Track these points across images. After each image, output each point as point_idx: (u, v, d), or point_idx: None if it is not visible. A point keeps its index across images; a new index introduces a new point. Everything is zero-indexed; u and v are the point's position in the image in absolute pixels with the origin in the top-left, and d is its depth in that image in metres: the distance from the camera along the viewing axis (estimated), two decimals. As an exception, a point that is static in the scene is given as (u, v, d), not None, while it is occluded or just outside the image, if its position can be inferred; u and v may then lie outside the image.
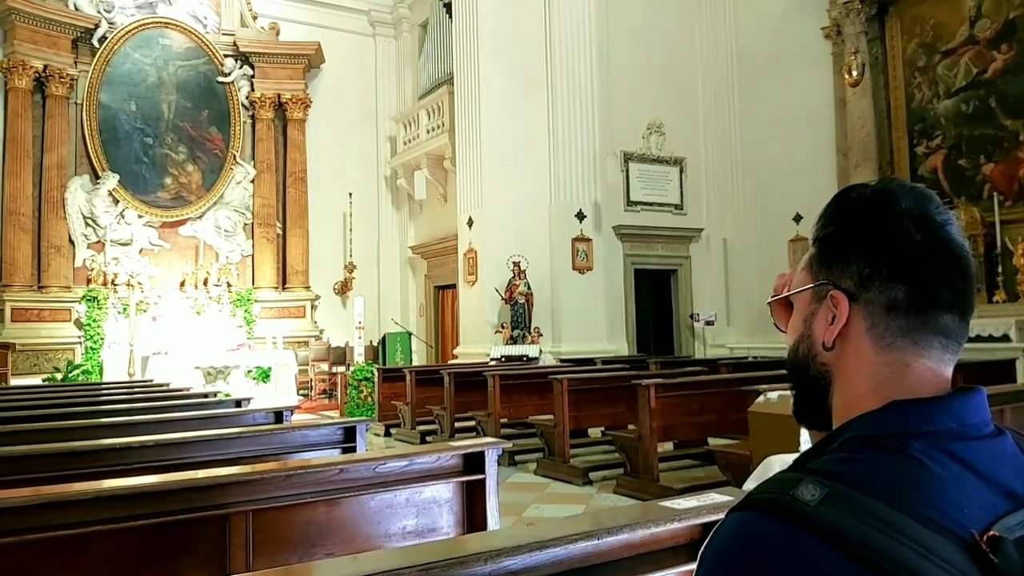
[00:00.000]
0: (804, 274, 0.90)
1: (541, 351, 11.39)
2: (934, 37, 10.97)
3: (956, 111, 10.75)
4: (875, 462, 0.75)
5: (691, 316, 13.66)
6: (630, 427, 6.75)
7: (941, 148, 10.92)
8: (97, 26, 13.88)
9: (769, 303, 0.97)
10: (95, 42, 13.89)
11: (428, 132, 14.78)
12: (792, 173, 12.81)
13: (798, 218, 12.80)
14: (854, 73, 10.76)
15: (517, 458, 7.66)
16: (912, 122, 11.28)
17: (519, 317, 11.69)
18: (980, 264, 9.89)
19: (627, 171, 13.31)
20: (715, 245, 13.95)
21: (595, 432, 8.11)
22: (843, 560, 0.68)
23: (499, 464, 3.02)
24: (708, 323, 13.28)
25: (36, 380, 11.76)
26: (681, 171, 13.86)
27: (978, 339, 9.45)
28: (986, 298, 9.73)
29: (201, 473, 2.64)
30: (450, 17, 13.56)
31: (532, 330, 11.64)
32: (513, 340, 11.57)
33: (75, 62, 13.79)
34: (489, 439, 3.37)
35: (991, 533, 0.70)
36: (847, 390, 0.84)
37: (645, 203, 13.45)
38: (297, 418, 5.25)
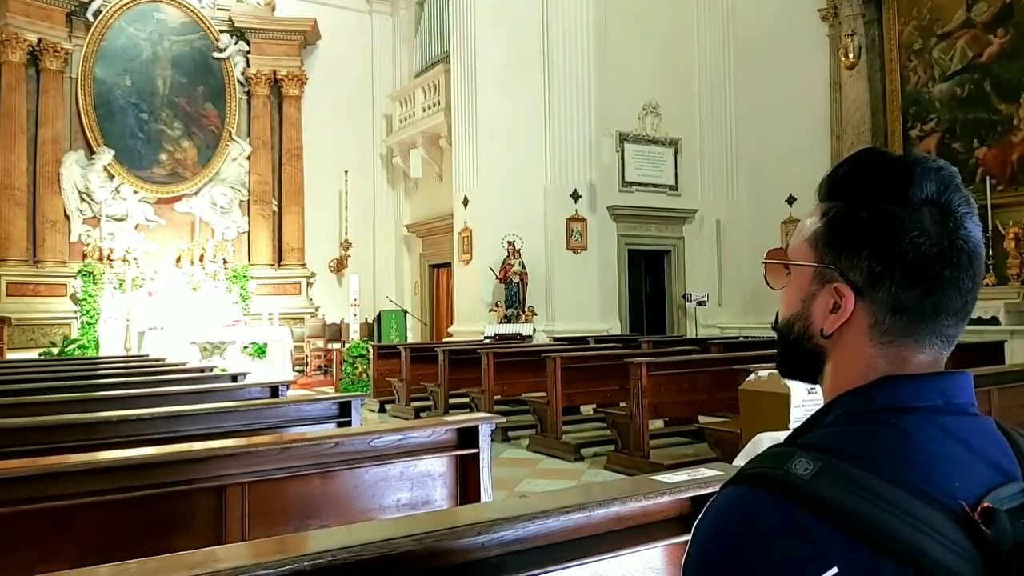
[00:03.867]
0: (807, 247, 0.86)
1: (535, 330, 11.45)
2: (931, 20, 10.95)
3: (951, 94, 10.75)
4: (867, 435, 0.76)
5: (684, 296, 13.72)
6: (621, 404, 6.80)
7: (935, 131, 10.94)
8: (91, 0, 13.74)
9: (765, 261, 0.93)
10: (89, 16, 13.76)
11: (424, 110, 14.72)
12: (786, 155, 12.82)
13: (791, 200, 12.83)
14: (850, 55, 10.74)
15: (510, 434, 7.73)
16: (907, 105, 11.28)
17: (513, 296, 11.72)
18: (973, 247, 9.94)
19: (622, 152, 13.30)
20: (708, 226, 13.98)
21: (587, 409, 8.18)
22: (837, 533, 0.68)
23: (492, 440, 3.06)
24: (700, 303, 13.34)
25: (32, 354, 11.77)
26: (676, 152, 13.85)
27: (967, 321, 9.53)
28: (978, 283, 9.78)
29: (197, 445, 2.67)
30: (447, -6, 13.46)
31: (526, 309, 11.68)
32: (507, 319, 11.61)
33: (69, 36, 13.66)
34: (483, 414, 3.41)
35: (984, 504, 0.71)
36: (841, 375, 0.84)
37: (640, 184, 13.45)
38: (292, 394, 5.29)
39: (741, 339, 10.29)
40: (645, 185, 13.52)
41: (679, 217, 13.85)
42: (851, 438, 0.76)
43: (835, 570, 0.67)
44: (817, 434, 0.79)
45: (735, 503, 0.74)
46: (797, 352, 0.88)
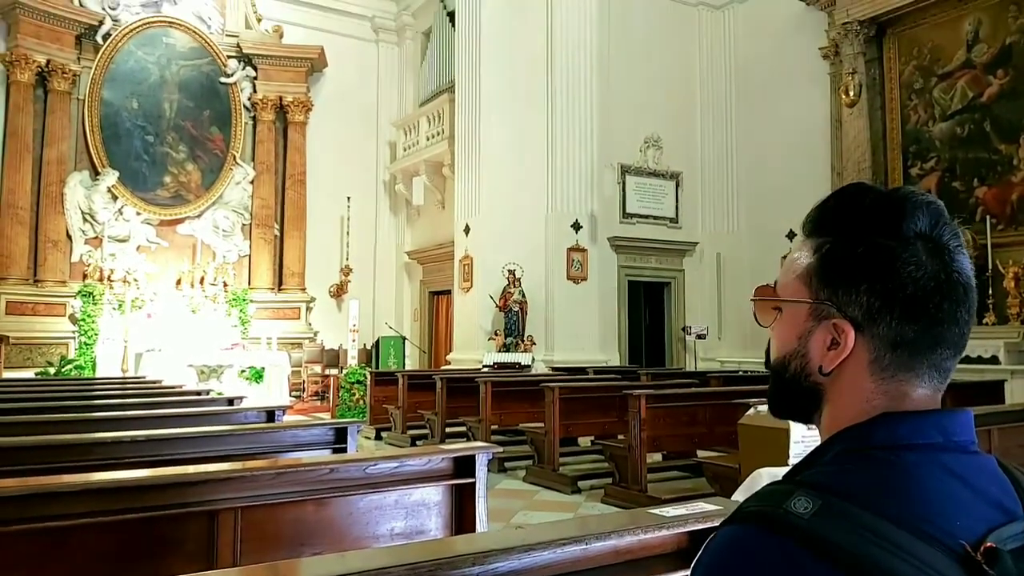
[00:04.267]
0: (799, 284, 0.85)
1: (534, 359, 11.42)
2: (931, 60, 11.07)
3: (951, 134, 10.84)
4: (867, 473, 0.75)
5: (683, 329, 13.70)
6: (620, 437, 6.76)
7: (935, 170, 11.01)
8: (101, 23, 13.90)
9: (754, 300, 0.92)
10: (99, 39, 13.91)
11: (428, 139, 14.83)
12: (787, 190, 12.88)
13: (791, 235, 12.86)
14: (851, 93, 10.85)
15: (507, 465, 7.67)
16: (907, 143, 11.37)
17: (513, 325, 11.71)
18: (972, 286, 9.95)
19: (624, 183, 13.38)
20: (708, 259, 14.01)
21: (585, 441, 8.12)
22: (837, 574, 0.67)
23: (489, 470, 3.04)
24: (700, 336, 13.33)
25: (29, 374, 11.72)
26: (677, 185, 13.94)
27: (967, 360, 9.51)
28: (976, 320, 9.78)
29: (191, 468, 2.65)
30: (453, 26, 13.63)
31: (525, 338, 11.67)
32: (506, 347, 11.59)
33: (78, 58, 13.81)
34: (480, 443, 3.39)
35: (987, 544, 0.70)
36: (839, 412, 0.83)
37: (641, 216, 13.52)
38: (289, 419, 5.26)
39: (741, 373, 10.27)
40: (646, 217, 13.59)
41: (679, 250, 13.89)
42: (850, 476, 0.75)
43: None
44: (816, 471, 0.78)
45: (734, 542, 0.73)
46: (794, 390, 0.87)
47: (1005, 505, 0.76)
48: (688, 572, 0.77)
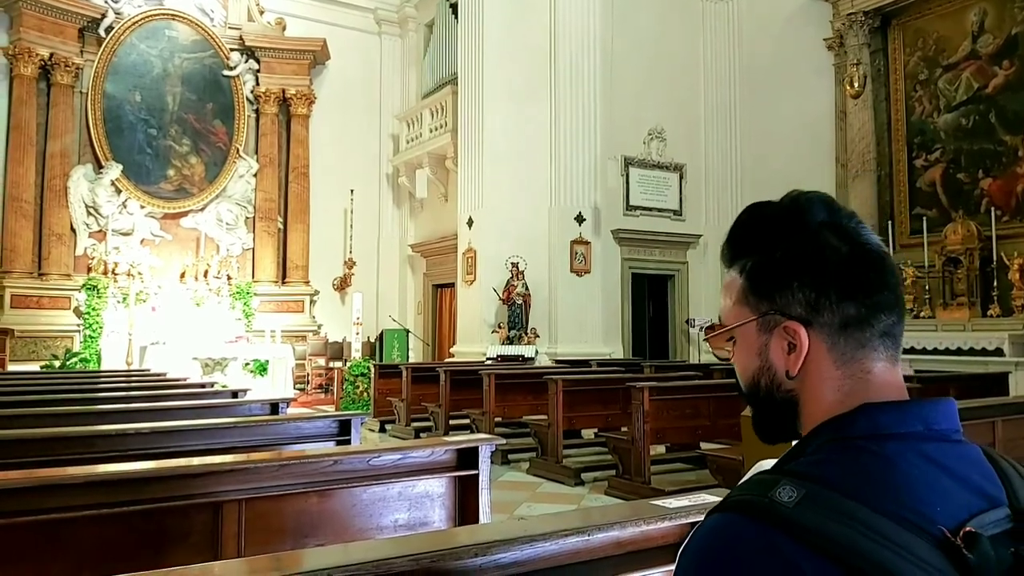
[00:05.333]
0: (739, 307, 0.90)
1: (537, 352, 11.43)
2: (936, 51, 11.02)
3: (956, 125, 10.79)
4: (850, 463, 0.77)
5: (687, 321, 13.69)
6: (623, 429, 6.77)
7: (940, 162, 10.97)
8: (104, 16, 13.89)
9: (707, 338, 0.97)
10: (101, 32, 13.90)
11: (431, 131, 14.81)
12: (791, 182, 12.54)
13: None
14: (855, 84, 10.80)
15: (510, 457, 7.69)
16: (912, 135, 11.32)
17: (516, 318, 11.71)
18: (976, 278, 9.93)
19: (627, 176, 13.36)
20: (712, 251, 13.98)
21: (588, 433, 8.14)
22: (819, 560, 0.69)
23: (492, 462, 3.04)
24: (703, 329, 13.31)
25: (34, 367, 11.77)
26: (681, 177, 13.91)
27: (972, 352, 9.50)
28: (980, 312, 9.77)
29: (195, 460, 2.66)
30: (456, 18, 13.59)
31: (529, 331, 11.67)
32: (510, 340, 11.60)
33: (81, 51, 13.79)
34: (483, 435, 3.39)
35: (967, 529, 0.71)
36: (817, 407, 0.85)
37: (644, 208, 13.50)
38: (292, 411, 5.27)
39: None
40: (649, 209, 13.57)
41: (683, 242, 13.87)
42: (833, 465, 0.77)
43: None
44: (801, 462, 0.80)
45: (720, 529, 0.76)
46: (772, 406, 0.90)
47: (988, 492, 0.78)
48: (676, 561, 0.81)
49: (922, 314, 10.25)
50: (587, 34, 12.37)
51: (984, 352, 9.36)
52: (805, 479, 0.75)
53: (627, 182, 13.37)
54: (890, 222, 11.13)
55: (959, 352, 9.64)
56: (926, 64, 11.16)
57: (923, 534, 0.71)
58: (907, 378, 7.49)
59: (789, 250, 0.86)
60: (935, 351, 9.82)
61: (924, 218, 10.67)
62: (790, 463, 0.81)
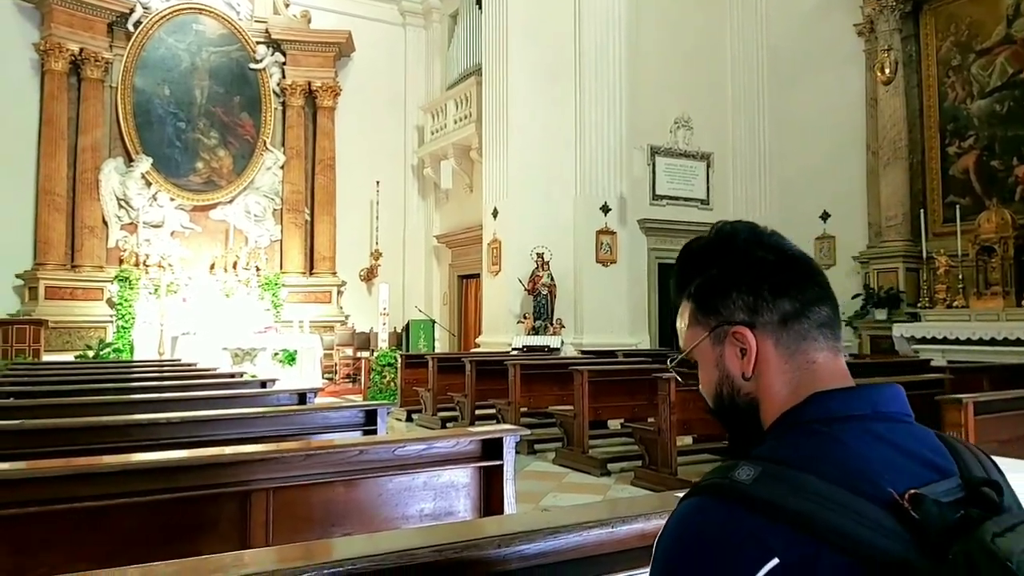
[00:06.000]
0: (693, 329, 1.01)
1: (563, 342, 11.42)
2: (969, 36, 10.79)
3: (990, 111, 10.57)
4: (803, 443, 0.85)
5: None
6: (649, 420, 6.75)
7: (974, 148, 10.75)
8: (132, 10, 14.05)
9: (673, 368, 1.09)
10: (130, 26, 14.07)
11: (455, 122, 14.81)
12: (820, 170, 12.69)
13: (825, 216, 12.69)
14: (886, 71, 10.59)
15: (536, 447, 7.71)
16: (944, 121, 11.11)
17: (541, 308, 11.71)
18: (1011, 267, 9.73)
19: (653, 165, 13.27)
20: (741, 241, 13.84)
21: (614, 424, 8.12)
22: (777, 528, 0.76)
23: (518, 452, 3.05)
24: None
25: (68, 357, 11.99)
26: (708, 166, 13.79)
27: (1006, 342, 9.32)
28: (1015, 301, 9.59)
29: (227, 450, 2.70)
30: (480, 8, 13.56)
31: (554, 321, 11.66)
32: (535, 331, 11.60)
33: (110, 46, 13.97)
34: (508, 426, 3.41)
35: (912, 491, 0.77)
36: (772, 404, 0.93)
37: (671, 197, 13.40)
38: (321, 401, 5.33)
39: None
40: (676, 199, 13.47)
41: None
42: (787, 447, 0.85)
43: (776, 561, 0.75)
44: (760, 448, 0.88)
45: (688, 514, 0.83)
46: (736, 415, 0.98)
47: (939, 465, 0.84)
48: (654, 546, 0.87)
49: (955, 304, 10.07)
50: (612, 21, 12.28)
51: (1019, 342, 9.17)
52: (761, 459, 0.83)
53: (653, 171, 13.29)
54: (922, 210, 10.95)
55: (993, 343, 9.47)
56: (959, 49, 10.93)
57: (871, 498, 0.77)
58: (939, 368, 7.33)
59: (724, 266, 0.97)
60: (968, 341, 9.66)
61: (957, 206, 10.47)
62: (752, 451, 0.88)
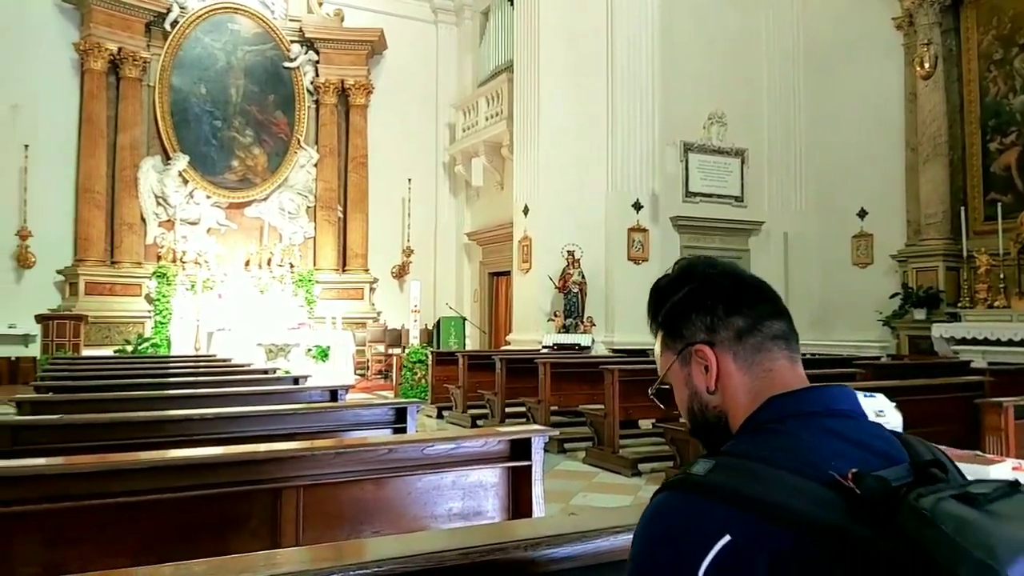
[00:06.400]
0: (664, 355, 1.12)
1: (593, 341, 11.37)
2: (1012, 30, 10.53)
3: (1034, 106, 10.30)
4: (759, 439, 0.94)
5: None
6: (681, 420, 6.68)
7: (1016, 144, 10.50)
8: (169, 10, 14.27)
9: (652, 395, 1.18)
10: (167, 26, 14.29)
11: (487, 119, 14.82)
12: (857, 167, 12.48)
13: (863, 213, 12.48)
14: (926, 65, 10.37)
15: (566, 446, 7.68)
16: (986, 117, 10.86)
17: (572, 306, 11.67)
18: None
19: (686, 161, 13.14)
20: (775, 239, 13.68)
21: (645, 424, 8.07)
22: (729, 510, 0.84)
23: (548, 451, 3.04)
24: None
25: (107, 351, 12.24)
26: (742, 163, 13.62)
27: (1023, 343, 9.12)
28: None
29: (261, 447, 2.73)
30: (511, 4, 13.54)
31: (585, 319, 11.62)
32: (566, 329, 11.56)
33: (148, 45, 14.21)
34: (536, 426, 3.39)
35: (853, 471, 0.84)
36: (736, 413, 1.03)
37: (704, 194, 13.27)
38: (352, 397, 5.36)
39: (807, 356, 10.03)
40: (710, 196, 13.33)
41: (745, 229, 13.59)
42: (741, 444, 0.95)
43: (728, 538, 0.83)
44: (723, 450, 0.96)
45: (655, 508, 0.92)
46: (708, 429, 1.07)
47: (891, 455, 0.91)
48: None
49: (996, 303, 9.85)
50: (645, 17, 12.18)
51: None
52: (719, 455, 0.93)
53: (686, 168, 13.16)
54: (963, 208, 10.71)
55: (1035, 343, 9.25)
56: (1001, 43, 10.67)
57: (817, 479, 0.85)
58: (979, 371, 7.16)
59: (685, 294, 1.09)
60: (1010, 342, 9.44)
61: (999, 204, 10.24)
62: None
